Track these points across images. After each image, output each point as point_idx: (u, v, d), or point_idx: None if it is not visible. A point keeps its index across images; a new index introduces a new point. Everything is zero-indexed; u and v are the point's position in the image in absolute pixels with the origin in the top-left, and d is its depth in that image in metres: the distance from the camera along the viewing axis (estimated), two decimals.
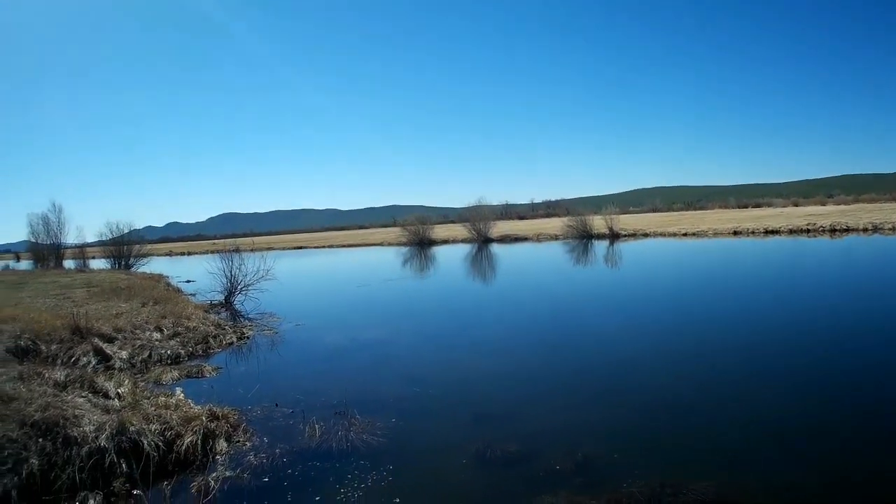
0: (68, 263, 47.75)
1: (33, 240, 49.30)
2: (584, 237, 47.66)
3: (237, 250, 22.13)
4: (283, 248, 69.66)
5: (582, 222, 49.33)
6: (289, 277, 30.40)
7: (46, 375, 8.40)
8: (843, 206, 64.64)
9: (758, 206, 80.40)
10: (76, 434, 6.53)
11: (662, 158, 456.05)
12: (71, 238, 49.74)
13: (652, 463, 6.09)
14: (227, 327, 15.64)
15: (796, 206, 75.89)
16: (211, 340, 14.00)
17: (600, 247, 39.39)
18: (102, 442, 6.58)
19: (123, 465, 6.47)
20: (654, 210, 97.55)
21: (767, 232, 37.76)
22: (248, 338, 15.00)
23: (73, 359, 10.71)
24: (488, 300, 21.42)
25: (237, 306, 20.74)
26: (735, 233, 39.87)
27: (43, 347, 10.83)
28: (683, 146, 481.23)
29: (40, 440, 6.23)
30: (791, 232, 38.34)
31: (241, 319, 18.06)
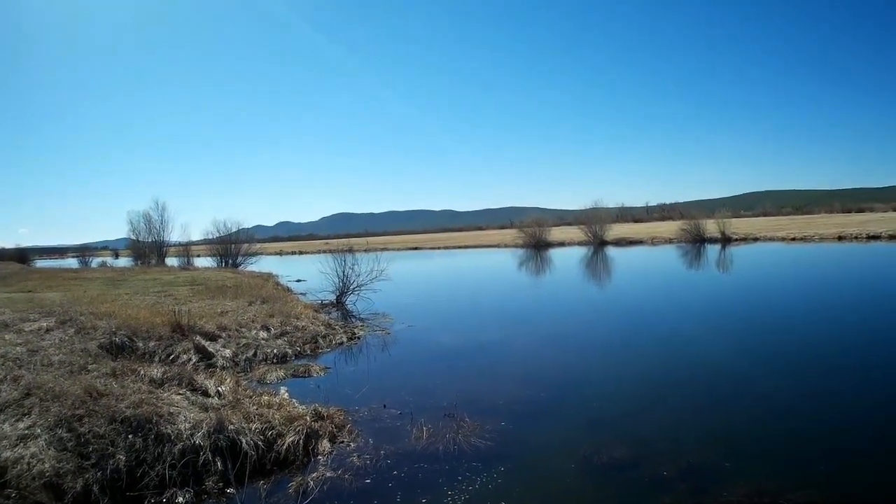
0: (171, 261, 51.21)
1: (133, 237, 53.27)
2: (697, 241, 51.00)
3: (350, 250, 22.81)
4: (398, 249, 71.88)
5: (695, 226, 52.84)
6: (403, 278, 31.22)
7: (142, 372, 8.78)
8: None
9: (860, 210, 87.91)
10: (170, 431, 6.74)
11: (772, 162, 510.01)
12: (175, 236, 53.78)
13: (754, 471, 6.36)
14: (337, 327, 16.00)
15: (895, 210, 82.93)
16: (320, 340, 14.35)
17: (713, 251, 42.29)
18: (197, 440, 6.75)
19: (218, 464, 6.60)
20: (765, 214, 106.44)
21: (870, 237, 42.19)
22: (358, 338, 15.26)
23: (171, 356, 11.32)
24: (603, 305, 21.61)
25: (349, 306, 21.35)
26: (839, 237, 43.79)
27: (140, 344, 11.49)
28: (793, 149, 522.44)
29: (130, 436, 6.46)
30: (891, 237, 42.01)
31: (353, 319, 18.52)
